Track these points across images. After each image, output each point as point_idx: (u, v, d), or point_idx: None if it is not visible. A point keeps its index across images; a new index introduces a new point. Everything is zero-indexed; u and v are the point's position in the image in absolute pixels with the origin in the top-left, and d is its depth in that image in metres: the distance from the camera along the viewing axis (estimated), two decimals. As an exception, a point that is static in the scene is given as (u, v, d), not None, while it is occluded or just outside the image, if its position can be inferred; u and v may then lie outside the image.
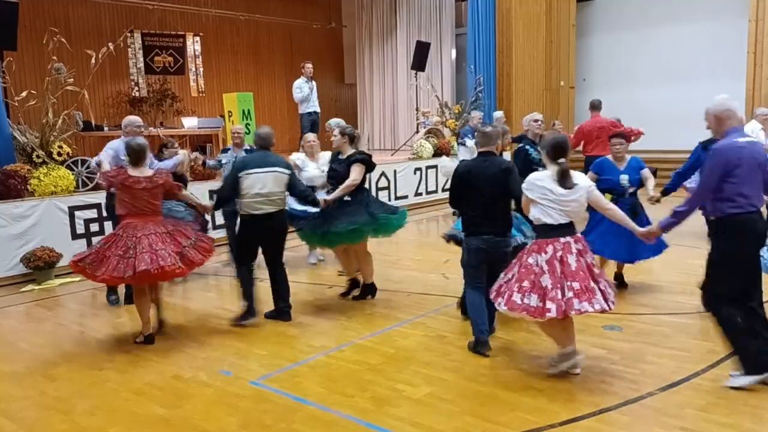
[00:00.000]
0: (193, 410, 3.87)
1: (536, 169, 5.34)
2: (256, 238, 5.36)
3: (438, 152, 12.64)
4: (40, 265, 7.02)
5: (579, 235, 4.08)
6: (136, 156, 5.00)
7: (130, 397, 4.08)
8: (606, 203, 4.23)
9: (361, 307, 5.84)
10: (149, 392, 4.15)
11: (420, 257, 7.57)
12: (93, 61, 7.73)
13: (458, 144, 10.66)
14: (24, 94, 7.63)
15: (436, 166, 12.40)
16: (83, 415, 3.87)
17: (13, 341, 5.32)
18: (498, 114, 10.94)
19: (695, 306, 5.41)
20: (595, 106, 9.14)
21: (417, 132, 14.30)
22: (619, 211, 4.27)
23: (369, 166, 5.72)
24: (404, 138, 15.50)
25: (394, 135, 17.12)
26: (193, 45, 14.57)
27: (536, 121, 6.14)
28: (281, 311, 5.46)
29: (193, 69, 14.60)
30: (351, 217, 5.44)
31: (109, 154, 5.80)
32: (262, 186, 5.19)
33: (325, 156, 6.56)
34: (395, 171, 11.54)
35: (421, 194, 12.15)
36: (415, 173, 12.06)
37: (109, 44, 8.12)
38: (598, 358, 4.43)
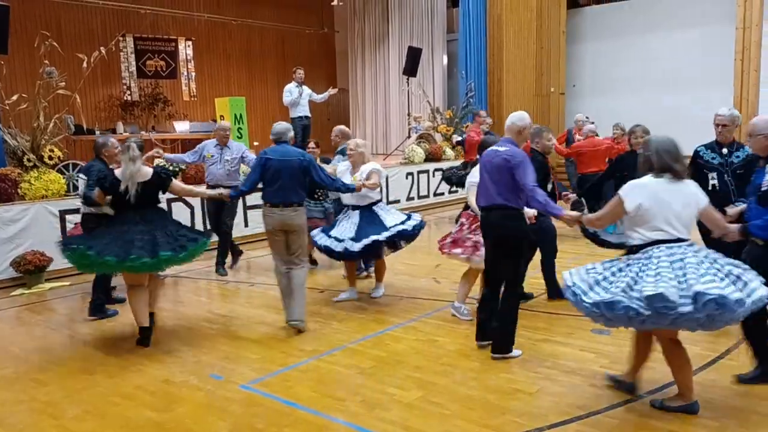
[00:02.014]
0: (183, 414, 3.88)
1: (706, 174, 5.09)
2: None
3: (430, 157, 12.70)
4: (30, 269, 6.99)
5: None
6: None
7: (121, 402, 4.08)
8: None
9: (352, 310, 5.86)
10: (140, 396, 4.15)
11: (412, 262, 7.60)
12: (85, 64, 7.74)
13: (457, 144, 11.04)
14: (15, 97, 7.62)
15: (428, 171, 12.47)
16: (74, 420, 3.86)
17: (2, 345, 5.30)
18: (577, 116, 11.03)
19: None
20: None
21: (409, 137, 14.37)
22: None
23: (108, 190, 4.94)
24: (396, 143, 15.56)
25: (386, 140, 17.18)
26: (185, 49, 14.60)
27: (719, 125, 5.16)
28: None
29: (185, 73, 14.64)
30: (110, 243, 4.75)
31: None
32: None
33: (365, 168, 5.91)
34: (387, 176, 11.58)
35: (413, 199, 12.20)
36: (407, 178, 12.11)
37: (101, 48, 8.13)
38: (587, 361, 4.47)
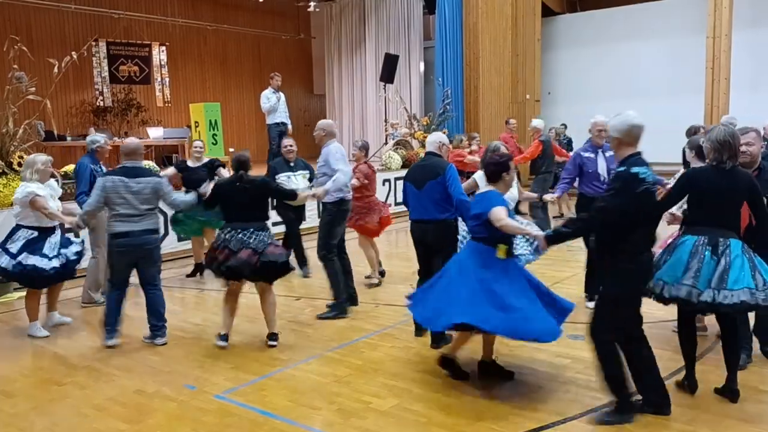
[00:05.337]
0: (156, 425, 3.81)
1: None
2: None
3: (406, 164, 12.70)
4: (-2, 279, 6.82)
5: None
6: None
7: (91, 414, 3.99)
8: None
9: (328, 318, 5.81)
10: (111, 408, 4.07)
11: (388, 268, 7.58)
12: (56, 69, 7.60)
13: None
14: (-18, 103, 7.46)
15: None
16: (41, 433, 3.77)
17: (-32, 357, 5.16)
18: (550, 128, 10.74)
19: (656, 315, 5.53)
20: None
21: (386, 143, 14.37)
22: None
23: None
24: (373, 149, 15.50)
25: (363, 146, 17.15)
26: (159, 54, 14.47)
27: None
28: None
29: (159, 79, 14.50)
30: None
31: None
32: None
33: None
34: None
35: (389, 205, 12.13)
36: (383, 184, 12.09)
37: (73, 53, 7.98)
38: (563, 367, 4.49)
